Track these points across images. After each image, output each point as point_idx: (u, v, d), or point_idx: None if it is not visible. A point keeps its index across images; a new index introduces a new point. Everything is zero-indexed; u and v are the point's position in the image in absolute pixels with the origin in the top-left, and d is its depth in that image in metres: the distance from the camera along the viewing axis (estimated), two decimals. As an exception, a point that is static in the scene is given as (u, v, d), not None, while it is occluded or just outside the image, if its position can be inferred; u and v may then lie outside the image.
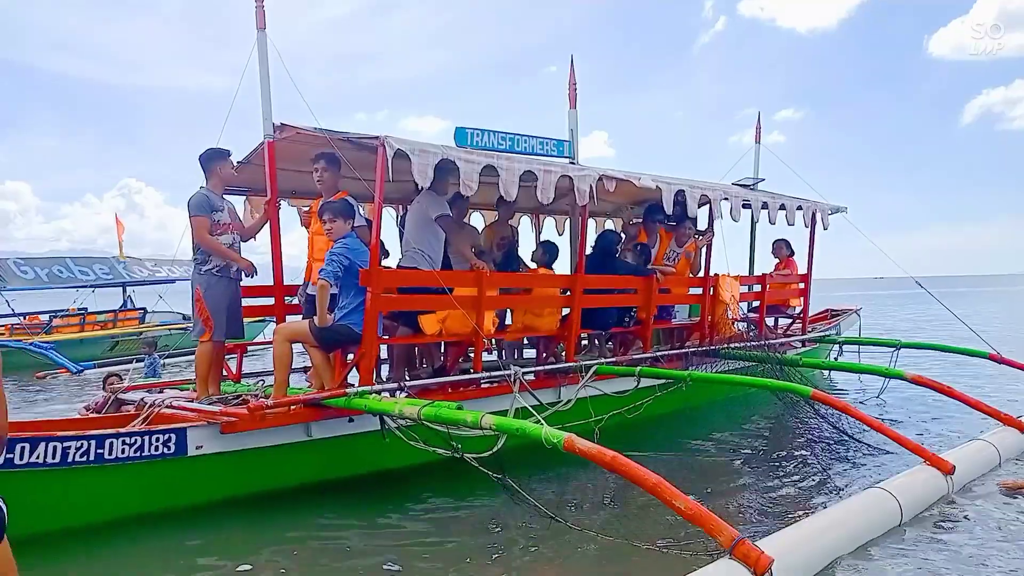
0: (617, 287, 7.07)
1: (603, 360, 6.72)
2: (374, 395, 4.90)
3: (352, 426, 5.09)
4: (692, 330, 7.97)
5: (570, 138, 6.71)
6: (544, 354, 6.72)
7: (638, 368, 6.48)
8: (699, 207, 7.29)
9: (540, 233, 9.21)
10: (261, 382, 5.71)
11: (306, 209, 5.99)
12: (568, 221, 8.01)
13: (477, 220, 8.05)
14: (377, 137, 4.82)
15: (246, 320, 5.61)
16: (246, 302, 5.76)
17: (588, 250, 6.90)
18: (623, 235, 8.30)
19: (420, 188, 5.18)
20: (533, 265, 6.89)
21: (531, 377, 6.23)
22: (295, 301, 5.75)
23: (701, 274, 8.01)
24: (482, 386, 6.00)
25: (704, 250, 8.02)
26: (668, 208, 6.83)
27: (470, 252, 5.97)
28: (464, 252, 5.99)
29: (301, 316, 5.56)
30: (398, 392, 5.13)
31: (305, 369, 6.73)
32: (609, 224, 9.53)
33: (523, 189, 5.66)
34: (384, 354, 6.61)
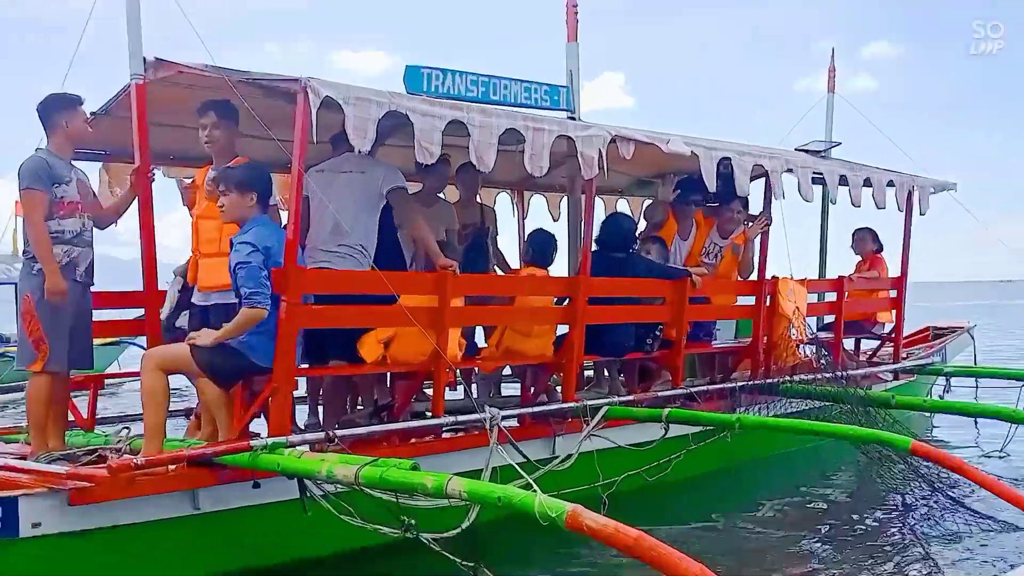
0: (637, 295, 7.09)
1: (616, 399, 6.75)
2: (291, 449, 4.87)
3: (259, 494, 5.05)
4: (741, 356, 8.03)
5: (569, 83, 6.75)
6: (532, 390, 6.75)
7: (665, 410, 6.53)
8: (751, 182, 7.37)
9: (525, 218, 9.28)
10: (125, 430, 5.65)
11: (189, 181, 5.96)
12: (565, 201, 8.09)
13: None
14: (296, 79, 4.81)
15: (97, 342, 5.59)
16: (99, 315, 5.69)
17: (593, 244, 6.92)
18: (644, 221, 8.39)
19: (357, 153, 5.15)
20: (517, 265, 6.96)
21: (514, 423, 6.22)
22: (164, 315, 5.74)
23: (754, 276, 8.09)
24: (445, 436, 5.98)
25: (758, 243, 8.09)
26: (709, 184, 6.89)
27: (435, 243, 5.97)
28: (428, 243, 5.96)
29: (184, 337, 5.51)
30: (326, 445, 5.11)
31: (187, 412, 6.71)
32: (623, 206, 9.62)
33: (502, 155, 5.70)
34: (304, 389, 6.59)
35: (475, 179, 7.35)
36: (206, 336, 5.07)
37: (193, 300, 5.58)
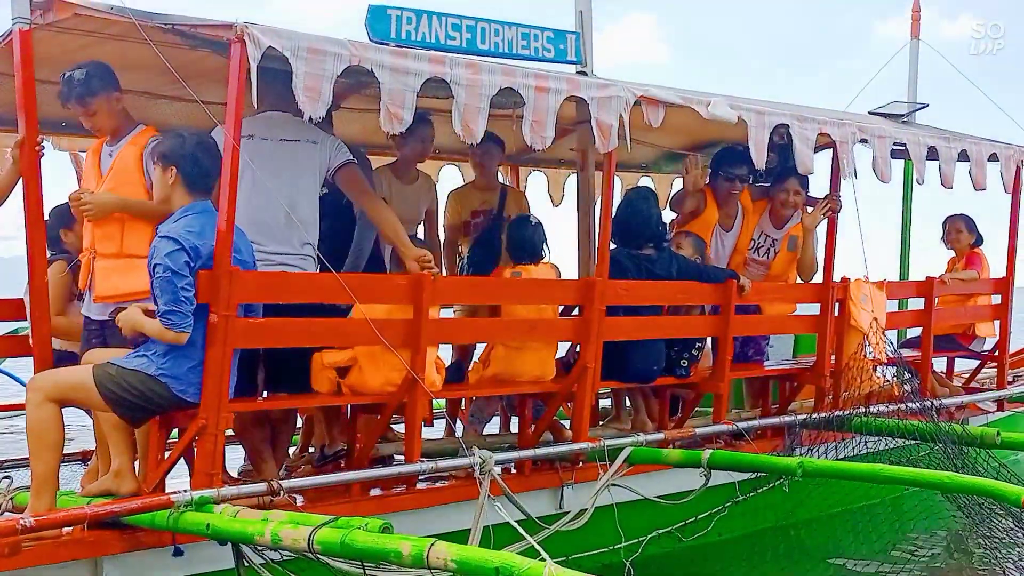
0: (668, 303, 7.11)
1: (642, 438, 6.79)
2: (223, 506, 4.87)
3: (182, 563, 5.07)
4: (801, 381, 8.08)
5: (579, 27, 6.78)
6: (532, 426, 6.76)
7: (706, 453, 6.55)
8: (815, 154, 7.41)
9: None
10: (6, 480, 5.66)
11: (84, 153, 5.99)
12: (574, 179, 8.12)
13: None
14: (230, 25, 4.84)
15: None
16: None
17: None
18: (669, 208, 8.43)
19: (307, 119, 5.17)
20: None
21: (510, 469, 6.26)
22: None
23: (818, 278, 8.13)
24: (420, 487, 6.01)
25: (822, 235, 8.14)
26: (758, 158, 6.93)
27: (404, 233, 6.00)
28: (395, 232, 5.96)
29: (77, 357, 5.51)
30: (268, 499, 5.12)
31: (83, 457, 6.69)
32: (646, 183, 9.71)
33: (492, 121, 5.74)
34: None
35: (492, 152, 7.44)
36: (101, 356, 5.09)
37: (84, 312, 5.58)
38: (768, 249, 8.11)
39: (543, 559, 4.05)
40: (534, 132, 5.82)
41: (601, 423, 7.65)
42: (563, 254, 7.33)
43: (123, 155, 5.50)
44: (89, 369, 5.09)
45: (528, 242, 6.81)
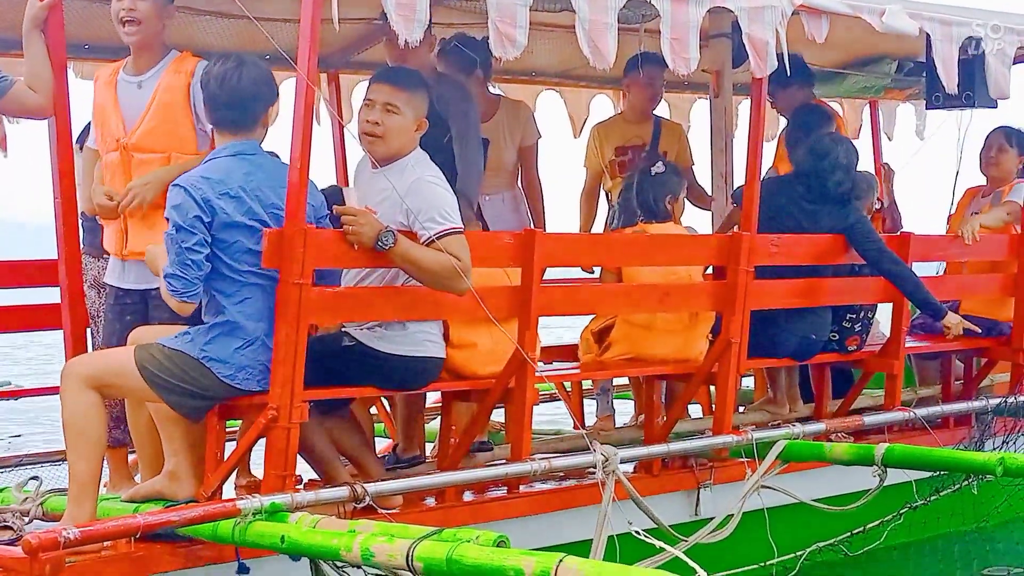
0: (833, 260, 7.04)
1: (798, 429, 6.75)
2: (299, 514, 4.87)
3: (249, 585, 5.15)
4: (992, 358, 8.03)
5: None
6: (657, 415, 6.78)
7: (880, 448, 6.44)
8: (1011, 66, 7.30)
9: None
10: (34, 482, 5.75)
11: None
12: (702, 106, 8.03)
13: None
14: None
15: None
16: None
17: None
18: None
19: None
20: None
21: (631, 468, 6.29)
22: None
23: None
24: (521, 489, 6.04)
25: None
26: (947, 80, 6.88)
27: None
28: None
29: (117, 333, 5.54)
30: (350, 506, 5.16)
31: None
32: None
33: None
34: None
35: (653, 76, 7.43)
36: (149, 335, 5.12)
37: (113, 283, 5.62)
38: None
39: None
40: (674, 53, 5.77)
41: (742, 410, 7.60)
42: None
43: (167, 86, 5.45)
44: (131, 351, 5.12)
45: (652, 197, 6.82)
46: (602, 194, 8.32)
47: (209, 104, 5.19)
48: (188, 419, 5.15)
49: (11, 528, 5.09)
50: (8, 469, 6.67)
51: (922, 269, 7.59)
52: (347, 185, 6.46)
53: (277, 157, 5.38)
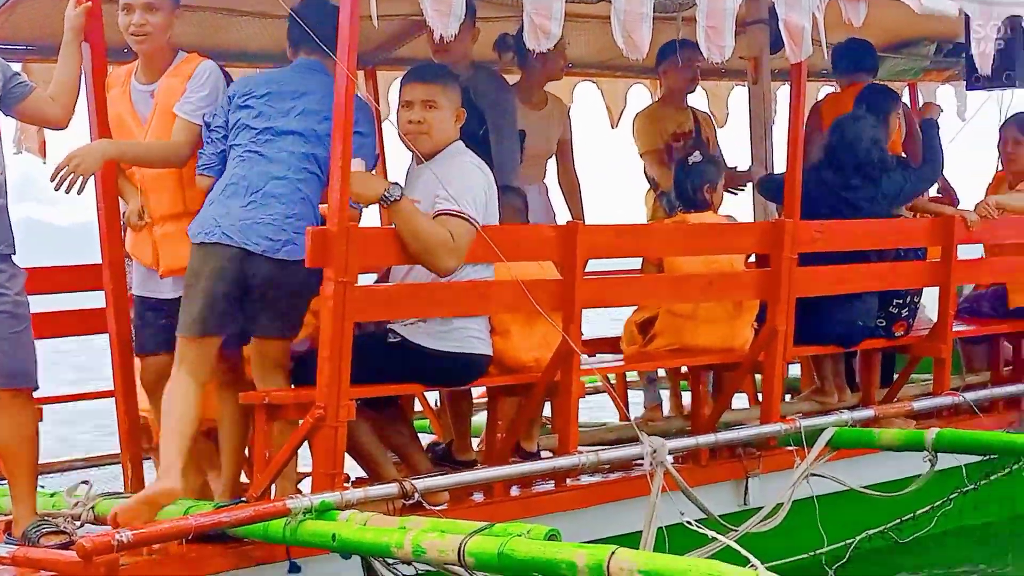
0: (877, 245, 7.04)
1: (846, 416, 6.74)
2: (350, 512, 4.90)
3: (299, 583, 5.18)
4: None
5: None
6: (705, 407, 6.79)
7: (930, 433, 6.43)
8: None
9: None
10: (84, 487, 5.78)
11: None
12: (740, 93, 8.02)
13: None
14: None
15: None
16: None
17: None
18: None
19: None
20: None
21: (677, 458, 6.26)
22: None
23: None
24: (568, 482, 6.06)
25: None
26: (981, 62, 6.91)
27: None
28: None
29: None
30: (399, 503, 5.19)
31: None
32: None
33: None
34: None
35: (690, 59, 7.42)
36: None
37: (143, 293, 5.66)
38: None
39: (753, 566, 4.02)
40: (709, 40, 5.77)
41: (790, 399, 7.61)
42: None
43: (165, 89, 5.48)
44: None
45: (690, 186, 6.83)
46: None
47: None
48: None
49: (64, 532, 5.12)
50: (58, 473, 6.71)
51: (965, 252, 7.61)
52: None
53: None
